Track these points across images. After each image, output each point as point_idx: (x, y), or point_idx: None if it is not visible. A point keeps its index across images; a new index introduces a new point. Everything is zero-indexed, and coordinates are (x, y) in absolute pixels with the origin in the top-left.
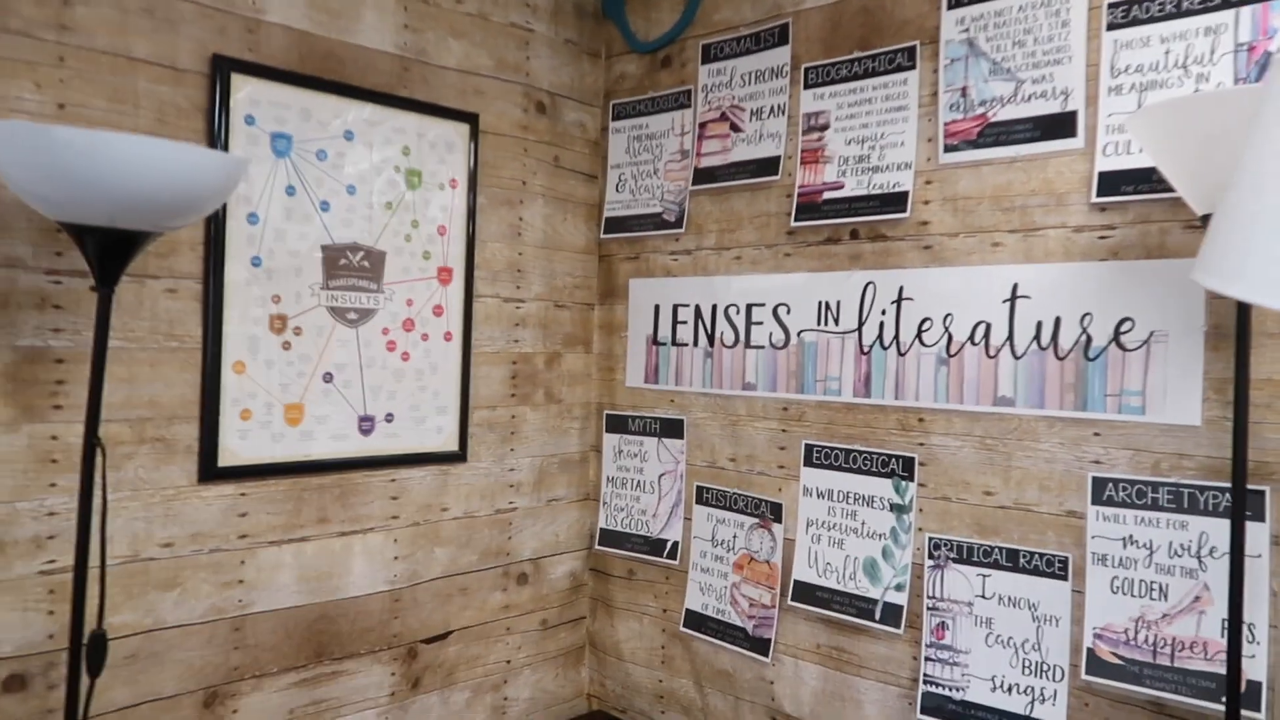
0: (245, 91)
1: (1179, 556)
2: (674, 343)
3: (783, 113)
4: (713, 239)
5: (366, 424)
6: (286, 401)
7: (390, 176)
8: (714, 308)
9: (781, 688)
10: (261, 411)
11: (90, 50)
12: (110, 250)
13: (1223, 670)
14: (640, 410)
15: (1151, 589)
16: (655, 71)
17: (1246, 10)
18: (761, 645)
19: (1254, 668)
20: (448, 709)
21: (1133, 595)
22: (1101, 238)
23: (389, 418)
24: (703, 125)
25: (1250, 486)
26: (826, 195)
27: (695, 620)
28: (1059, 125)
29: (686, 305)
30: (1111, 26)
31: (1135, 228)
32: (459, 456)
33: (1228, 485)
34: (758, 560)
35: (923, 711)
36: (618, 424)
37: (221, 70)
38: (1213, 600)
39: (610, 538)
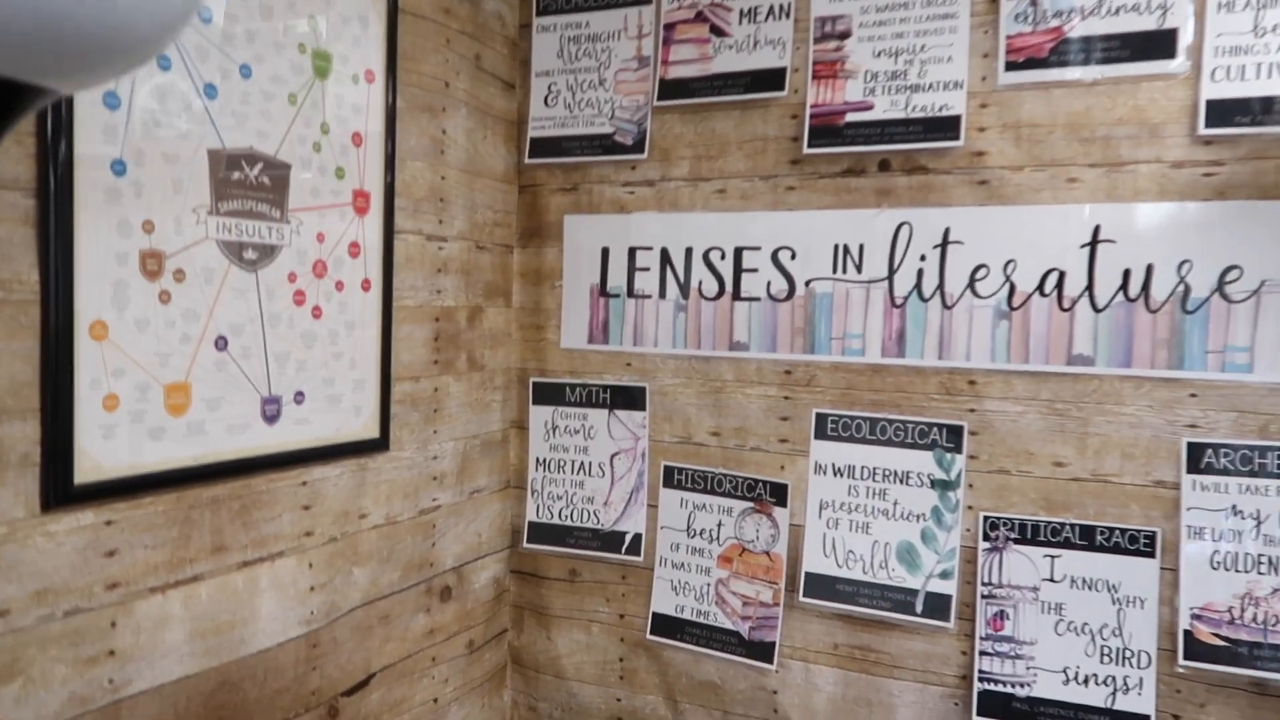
0: None
1: None
2: (631, 294)
3: (787, 14)
4: (685, 167)
5: (271, 407)
6: (167, 381)
7: (294, 58)
8: (688, 252)
9: (788, 697)
10: (133, 397)
11: None
12: None
13: None
14: (582, 377)
15: (1260, 562)
16: None
17: None
18: (761, 650)
19: None
20: None
21: (1238, 570)
22: (1206, 175)
23: (298, 397)
24: (670, 26)
25: None
26: (850, 117)
27: (667, 625)
28: (1155, 44)
29: (649, 249)
30: None
31: (1248, 164)
32: (380, 444)
33: None
34: (753, 552)
35: (980, 713)
36: (550, 394)
37: None
38: None
39: (544, 533)
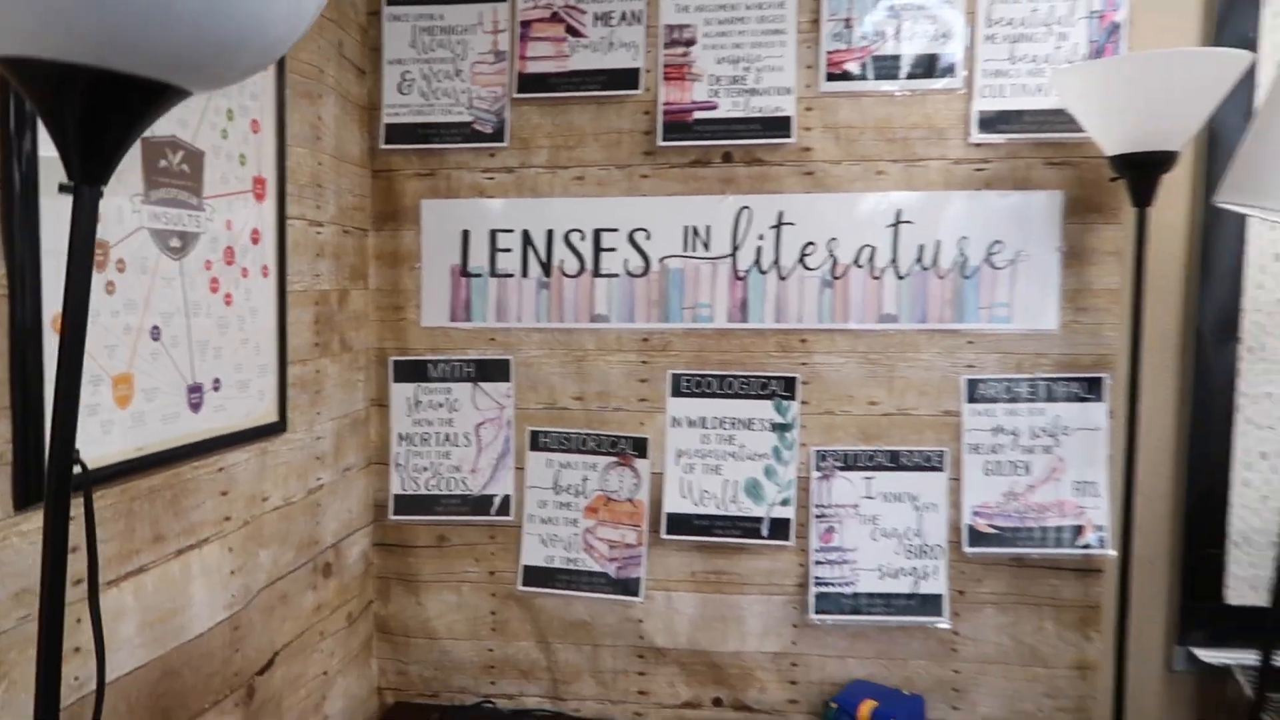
0: None
1: (1038, 438)
2: (494, 274)
3: (639, 20)
4: (544, 156)
5: (195, 396)
6: (115, 372)
7: None
8: (549, 233)
9: (652, 624)
10: (89, 390)
11: None
12: (105, 117)
13: (1076, 522)
14: (445, 353)
15: (1017, 467)
16: None
17: None
18: (629, 586)
19: (1096, 516)
20: None
21: (1002, 475)
22: (977, 170)
23: (216, 384)
24: (526, 24)
25: (1092, 375)
26: (698, 115)
27: (538, 576)
28: (939, 66)
29: (510, 231)
30: None
31: (1006, 162)
32: (279, 428)
33: (1078, 376)
34: (616, 500)
35: (817, 611)
36: (412, 371)
37: None
38: (1066, 469)
39: (411, 504)
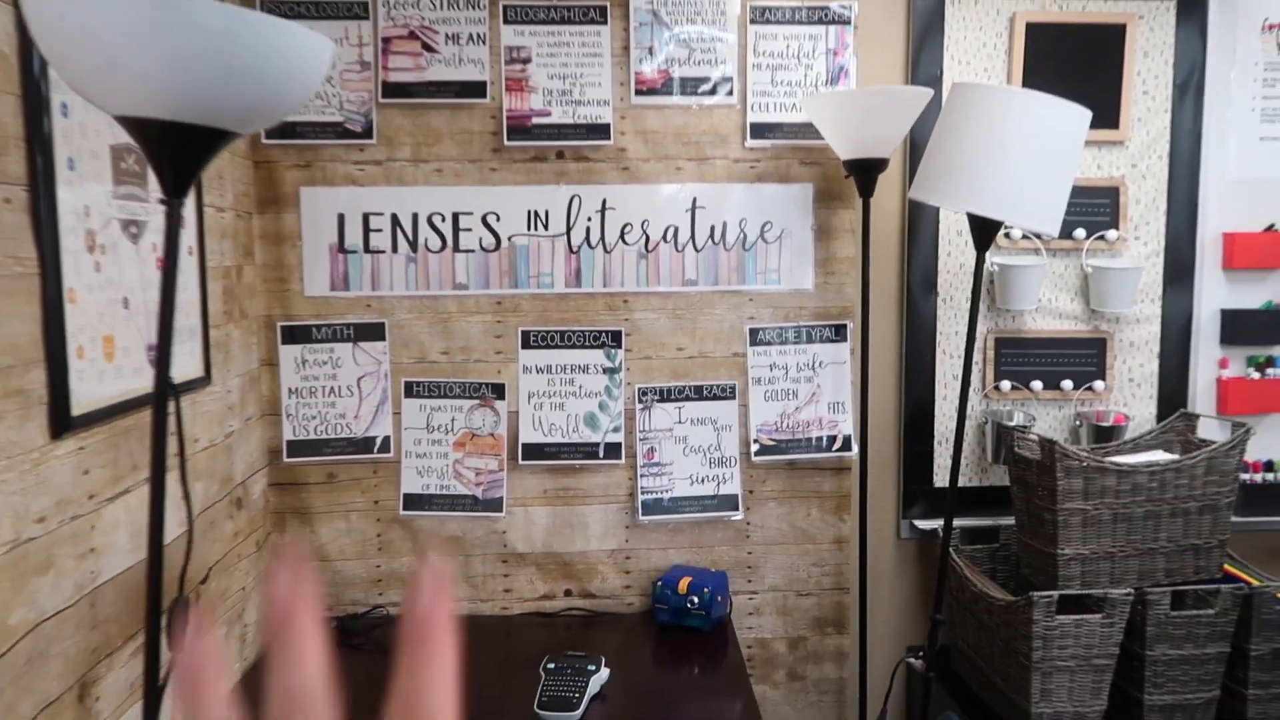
0: None
1: (803, 371)
2: (367, 250)
3: (483, 42)
4: (407, 151)
5: (151, 354)
6: (104, 333)
7: None
8: (414, 216)
9: (514, 534)
10: (90, 347)
11: None
12: (188, 155)
13: (831, 433)
14: (327, 319)
15: (788, 394)
16: None
17: (833, 28)
18: (493, 504)
19: (845, 427)
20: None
21: (777, 401)
22: (751, 167)
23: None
24: (387, 40)
25: (838, 322)
26: (535, 121)
27: (415, 501)
28: (720, 86)
29: (380, 214)
30: (754, 21)
31: (771, 161)
32: (205, 381)
33: (828, 323)
34: (480, 435)
35: (643, 514)
36: (298, 335)
37: None
38: (823, 394)
39: (301, 448)
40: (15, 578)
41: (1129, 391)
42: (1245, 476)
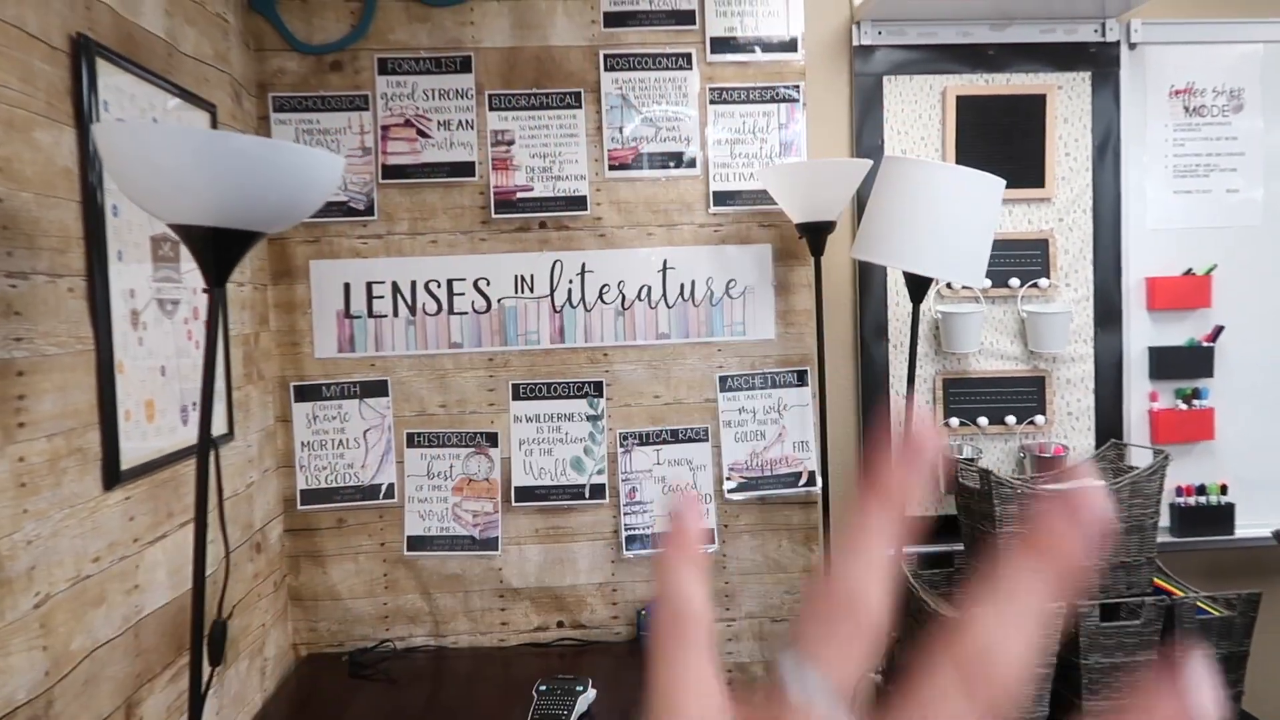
0: (101, 75)
1: (769, 414)
2: (370, 315)
3: (471, 127)
4: (405, 225)
5: (184, 414)
6: (145, 398)
7: None
8: (413, 284)
9: (509, 571)
10: (135, 410)
11: (3, 22)
12: (227, 252)
13: (797, 469)
14: (335, 378)
15: (757, 436)
16: (324, 73)
17: (784, 105)
18: (489, 544)
19: (809, 463)
20: (238, 677)
21: (747, 441)
22: (715, 230)
23: (193, 405)
24: (386, 128)
25: (799, 368)
26: (520, 195)
27: (418, 542)
28: (684, 159)
29: (382, 282)
30: (713, 102)
31: (733, 226)
32: (229, 437)
33: (791, 369)
34: (476, 480)
35: (627, 548)
36: (309, 393)
37: (87, 52)
38: (788, 434)
39: (314, 496)
40: (75, 610)
41: (1069, 424)
42: (1180, 500)
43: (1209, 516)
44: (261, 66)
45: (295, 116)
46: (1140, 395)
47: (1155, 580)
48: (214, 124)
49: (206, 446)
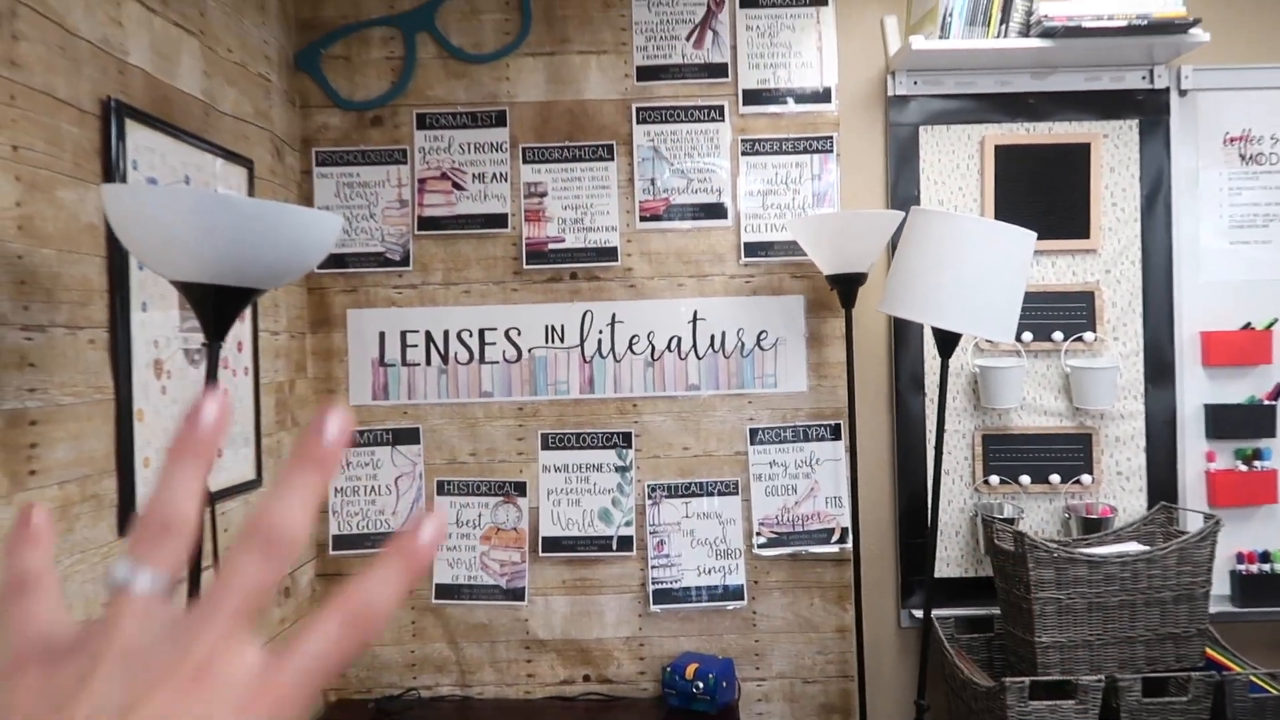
0: (131, 135)
1: (801, 468)
2: (404, 364)
3: (505, 179)
4: (439, 276)
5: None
6: (166, 445)
7: None
8: (445, 333)
9: (535, 622)
10: (154, 458)
11: (30, 89)
12: (226, 308)
13: (829, 526)
14: (369, 425)
15: (788, 490)
16: (364, 128)
17: (817, 156)
18: (516, 594)
19: (842, 519)
20: None
21: (777, 495)
22: (746, 282)
23: (220, 452)
24: (422, 181)
25: (832, 421)
26: (551, 246)
27: (446, 591)
28: (716, 210)
29: (416, 331)
30: (745, 153)
31: (764, 276)
32: (256, 483)
33: (823, 423)
34: (504, 530)
35: (655, 602)
36: None
37: (117, 115)
38: (820, 489)
39: (346, 542)
40: None
41: (1118, 484)
42: (1241, 568)
43: (1273, 585)
44: (305, 122)
45: (336, 170)
46: (1196, 455)
47: (1208, 652)
48: (251, 180)
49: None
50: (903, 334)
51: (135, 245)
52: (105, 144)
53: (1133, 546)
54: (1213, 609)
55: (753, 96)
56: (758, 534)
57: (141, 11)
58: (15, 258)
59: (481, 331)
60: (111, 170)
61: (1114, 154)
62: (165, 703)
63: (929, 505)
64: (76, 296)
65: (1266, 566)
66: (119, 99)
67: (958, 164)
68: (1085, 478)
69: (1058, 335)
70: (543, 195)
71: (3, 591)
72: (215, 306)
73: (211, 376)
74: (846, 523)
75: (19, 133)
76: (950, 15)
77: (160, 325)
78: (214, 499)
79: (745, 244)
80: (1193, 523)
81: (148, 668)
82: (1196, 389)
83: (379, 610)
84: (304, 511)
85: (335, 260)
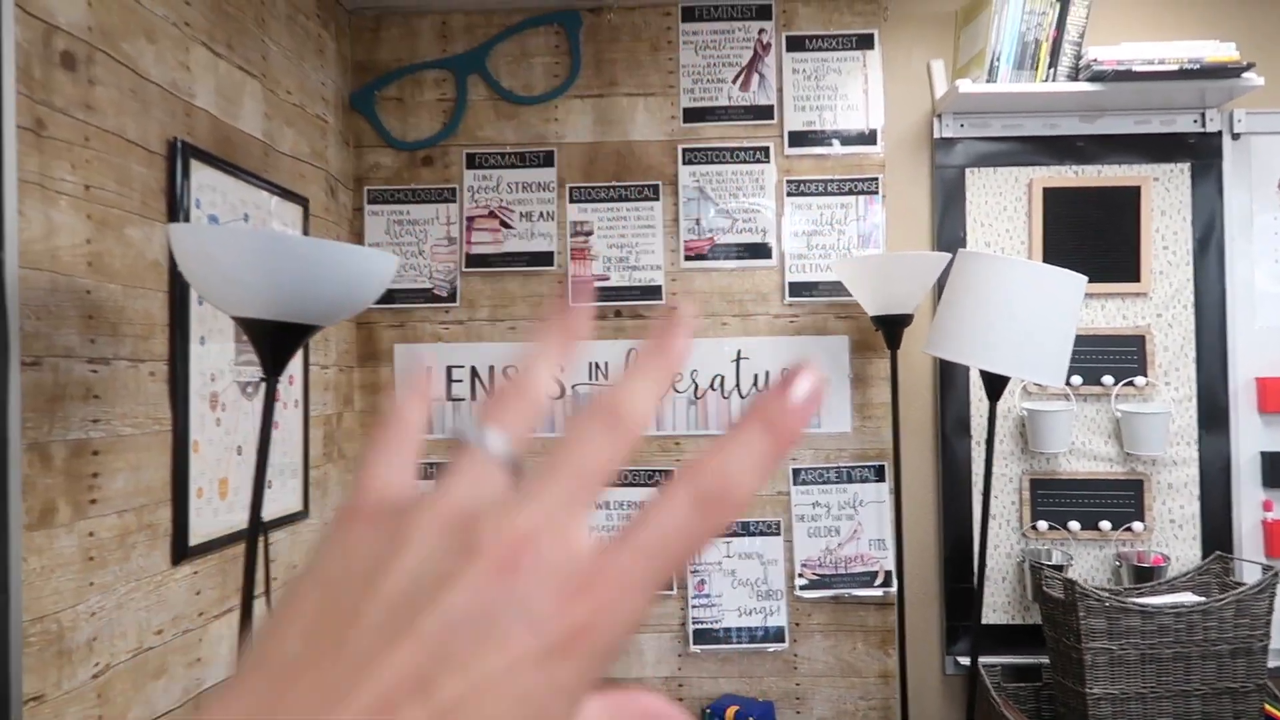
0: (195, 175)
1: (844, 509)
2: (449, 398)
3: (552, 218)
4: (486, 312)
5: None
6: (220, 476)
7: None
8: (490, 368)
9: None
10: (208, 488)
11: (103, 130)
12: (283, 344)
13: (874, 569)
14: None
15: (830, 531)
16: (415, 167)
17: (862, 198)
18: None
19: (886, 563)
20: None
21: (820, 536)
22: (791, 321)
23: (270, 484)
24: (470, 219)
25: (876, 463)
26: (596, 284)
27: None
28: (760, 250)
29: (461, 366)
30: (790, 194)
31: (809, 316)
32: (303, 515)
33: (867, 464)
34: None
35: (695, 642)
36: None
37: (183, 155)
38: (864, 531)
39: None
40: (136, 680)
41: (1170, 532)
42: None
43: None
44: (359, 162)
45: (387, 208)
46: (1252, 504)
47: (1266, 708)
48: (306, 217)
49: (256, 531)
50: (948, 376)
51: (200, 283)
52: (170, 183)
53: (1187, 597)
54: (1271, 663)
55: (798, 138)
56: (800, 575)
57: (208, 56)
58: (84, 293)
59: None
60: (176, 208)
61: (1165, 197)
62: (475, 584)
63: (975, 549)
64: (140, 330)
65: None
66: (185, 140)
67: (1005, 206)
68: (1137, 525)
69: (1108, 379)
70: (588, 234)
71: (375, 437)
72: (273, 342)
73: (268, 410)
74: (890, 566)
75: (92, 173)
76: (998, 59)
77: (216, 359)
78: (264, 529)
79: (790, 284)
80: (1249, 573)
81: (465, 541)
82: (1252, 436)
83: (739, 488)
84: (653, 400)
85: (384, 296)
